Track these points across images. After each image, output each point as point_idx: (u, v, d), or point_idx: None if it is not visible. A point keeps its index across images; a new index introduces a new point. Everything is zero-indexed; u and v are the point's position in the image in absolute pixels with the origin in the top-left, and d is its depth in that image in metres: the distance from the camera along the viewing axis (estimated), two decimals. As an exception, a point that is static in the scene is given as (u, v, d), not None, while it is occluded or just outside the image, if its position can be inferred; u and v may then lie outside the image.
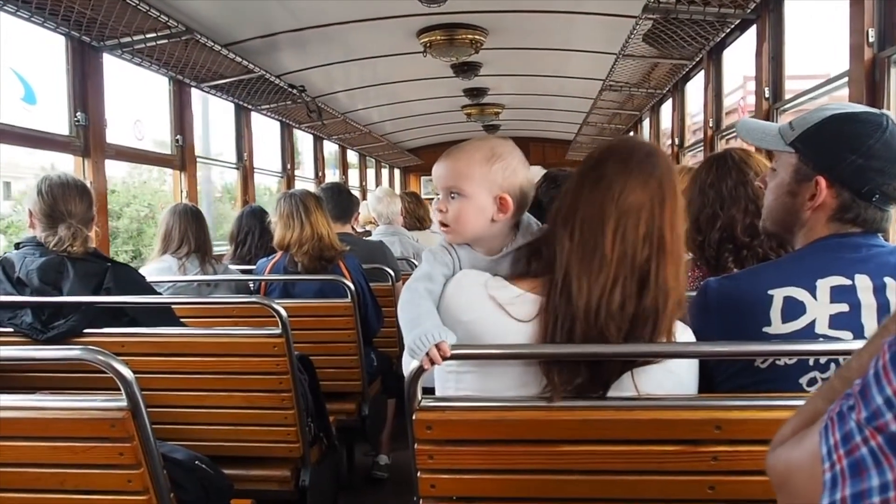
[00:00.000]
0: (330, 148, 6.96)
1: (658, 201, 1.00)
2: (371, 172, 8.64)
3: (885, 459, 0.47)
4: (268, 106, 4.74)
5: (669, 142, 4.92)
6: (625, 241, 0.99)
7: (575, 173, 1.08)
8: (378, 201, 3.94)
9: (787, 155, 1.18)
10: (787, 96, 2.95)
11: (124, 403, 1.20)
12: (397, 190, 7.87)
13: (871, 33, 2.13)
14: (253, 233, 3.10)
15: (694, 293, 1.20)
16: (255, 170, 4.83)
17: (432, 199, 1.31)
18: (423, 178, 9.95)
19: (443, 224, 1.14)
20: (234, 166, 4.71)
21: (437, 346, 0.99)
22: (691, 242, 1.75)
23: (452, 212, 1.13)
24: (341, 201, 3.26)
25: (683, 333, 1.08)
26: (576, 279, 1.00)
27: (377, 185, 8.56)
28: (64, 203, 1.90)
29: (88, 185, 2.82)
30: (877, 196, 1.10)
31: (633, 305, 0.99)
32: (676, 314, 1.01)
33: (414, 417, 1.04)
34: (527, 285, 1.07)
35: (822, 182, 1.12)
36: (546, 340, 1.02)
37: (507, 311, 1.04)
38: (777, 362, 1.10)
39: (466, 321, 1.05)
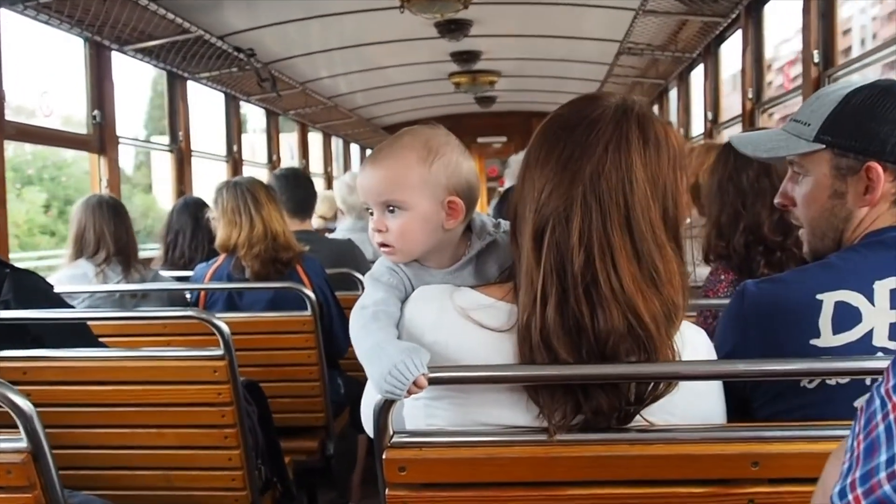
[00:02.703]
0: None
1: (582, 203, 0.99)
2: (338, 155, 8.64)
3: None
4: (208, 74, 4.72)
5: (702, 116, 4.96)
6: (558, 249, 0.99)
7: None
8: (350, 190, 3.91)
9: (816, 154, 1.20)
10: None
11: (23, 444, 1.18)
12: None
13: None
14: (184, 232, 3.08)
15: (726, 300, 1.21)
16: (193, 153, 4.81)
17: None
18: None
19: (384, 245, 1.15)
20: (166, 149, 4.68)
21: (414, 381, 0.99)
22: (715, 249, 1.78)
23: (395, 229, 1.13)
24: (299, 192, 3.25)
25: (695, 337, 1.08)
26: (540, 285, 1.00)
27: (346, 171, 8.55)
28: None
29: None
30: None
31: (592, 323, 0.98)
32: (670, 326, 1.01)
33: (384, 456, 1.04)
34: (499, 292, 1.08)
35: (878, 168, 1.14)
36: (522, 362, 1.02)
37: (479, 323, 1.05)
38: (827, 382, 1.11)
39: (432, 342, 1.05)
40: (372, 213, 1.16)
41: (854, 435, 0.57)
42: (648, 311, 0.98)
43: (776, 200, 1.31)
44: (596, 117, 1.02)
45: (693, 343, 1.07)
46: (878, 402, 0.56)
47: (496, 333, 1.04)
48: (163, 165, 4.34)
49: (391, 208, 1.13)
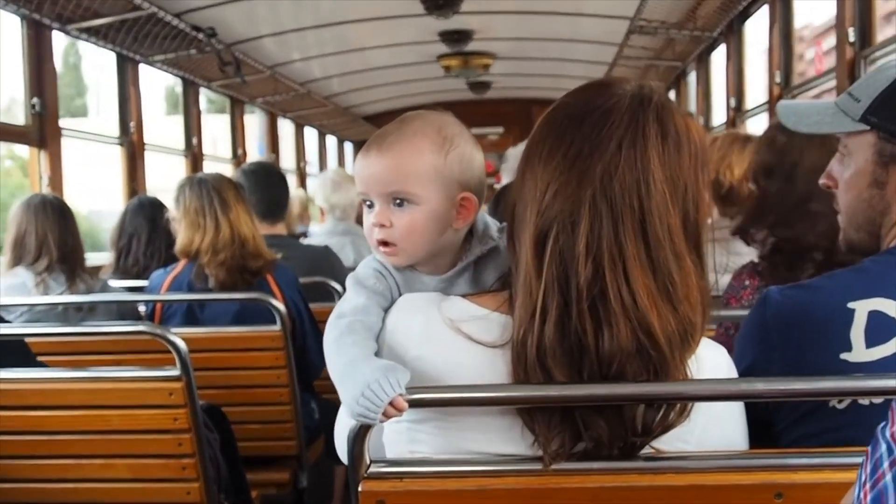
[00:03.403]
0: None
1: (591, 206, 0.98)
2: (312, 148, 8.64)
3: None
4: (163, 56, 4.72)
5: (724, 103, 4.99)
6: (562, 258, 0.99)
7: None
8: (335, 188, 3.89)
9: (860, 135, 1.20)
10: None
11: (-48, 477, 1.18)
12: (349, 171, 7.86)
13: None
14: (138, 236, 3.07)
15: (745, 311, 1.22)
16: (147, 146, 4.80)
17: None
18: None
19: (385, 243, 1.14)
20: (115, 141, 4.67)
21: (391, 403, 0.98)
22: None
23: (402, 225, 1.12)
24: (271, 191, 3.25)
25: (714, 357, 1.08)
26: (540, 297, 0.99)
27: (321, 167, 8.56)
28: None
29: None
30: None
31: (596, 342, 0.98)
32: (685, 349, 1.01)
33: (360, 489, 1.04)
34: (492, 303, 1.08)
35: None
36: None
37: (470, 337, 1.05)
38: (860, 402, 1.12)
39: (417, 357, 1.06)
40: (371, 206, 1.15)
41: (860, 484, 0.56)
42: (663, 331, 0.97)
43: (821, 181, 1.32)
44: (609, 108, 1.01)
45: (711, 364, 1.06)
46: (884, 447, 0.55)
47: (488, 349, 1.04)
48: (75, 154, 4.24)
49: (398, 201, 1.13)
